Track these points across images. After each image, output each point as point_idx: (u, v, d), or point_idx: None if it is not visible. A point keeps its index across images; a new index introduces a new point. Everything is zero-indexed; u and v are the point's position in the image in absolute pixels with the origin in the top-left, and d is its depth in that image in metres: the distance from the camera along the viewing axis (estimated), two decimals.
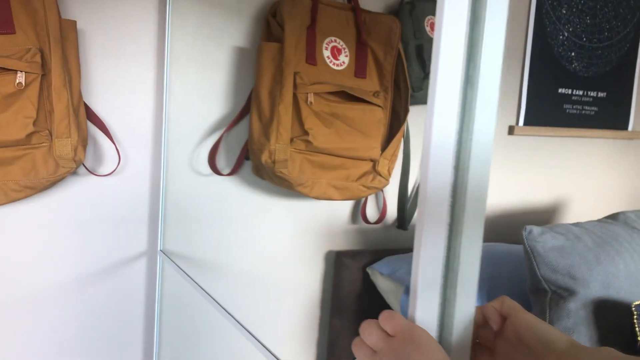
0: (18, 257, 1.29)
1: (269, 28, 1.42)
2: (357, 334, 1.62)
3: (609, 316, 1.26)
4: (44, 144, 1.20)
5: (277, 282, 1.59)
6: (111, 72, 1.32)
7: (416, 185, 1.69)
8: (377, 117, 1.47)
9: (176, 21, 1.38)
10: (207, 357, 1.54)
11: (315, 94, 1.39)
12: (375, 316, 0.54)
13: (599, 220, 1.51)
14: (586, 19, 1.87)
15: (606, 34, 1.91)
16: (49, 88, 1.18)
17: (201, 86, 1.42)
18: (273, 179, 1.41)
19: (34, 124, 1.16)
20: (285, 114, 1.36)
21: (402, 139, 1.61)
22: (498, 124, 1.78)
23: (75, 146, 1.20)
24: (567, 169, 1.95)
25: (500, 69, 0.41)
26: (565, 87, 1.88)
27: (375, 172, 1.49)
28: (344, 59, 1.46)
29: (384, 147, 1.50)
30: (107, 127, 1.33)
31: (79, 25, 1.27)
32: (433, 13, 1.59)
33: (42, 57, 1.17)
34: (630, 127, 2.03)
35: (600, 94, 1.95)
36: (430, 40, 1.57)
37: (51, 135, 1.20)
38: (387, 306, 1.58)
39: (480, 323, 0.61)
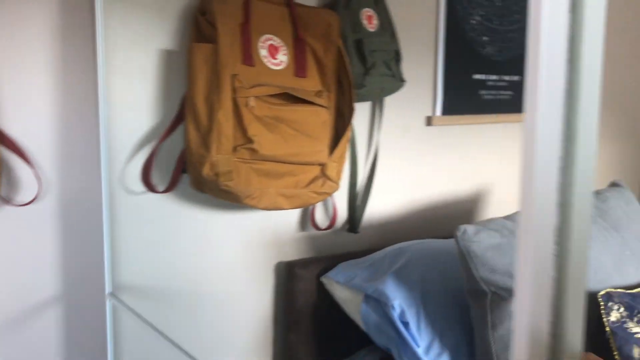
0: None
1: (198, 28, 1.30)
2: (316, 347, 1.53)
3: None
4: None
5: (226, 301, 1.47)
6: (20, 86, 1.15)
7: (365, 185, 1.62)
8: (322, 118, 1.38)
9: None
10: None
11: (256, 97, 1.29)
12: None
13: None
14: (496, 2, 1.86)
15: (516, 16, 1.91)
16: None
17: (127, 95, 1.28)
18: (217, 193, 1.29)
19: None
20: (226, 121, 1.24)
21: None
22: (415, 115, 1.73)
23: None
24: (486, 156, 1.94)
25: (600, 74, 0.34)
26: (480, 72, 1.86)
27: (325, 177, 1.40)
28: (283, 57, 1.36)
29: (331, 150, 1.42)
30: (21, 148, 1.16)
31: None
32: (369, 5, 1.52)
33: None
34: None
35: (514, 78, 1.95)
36: (368, 34, 1.50)
37: None
38: (345, 316, 1.50)
39: None
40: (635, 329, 1.12)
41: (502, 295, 1.20)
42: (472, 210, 1.93)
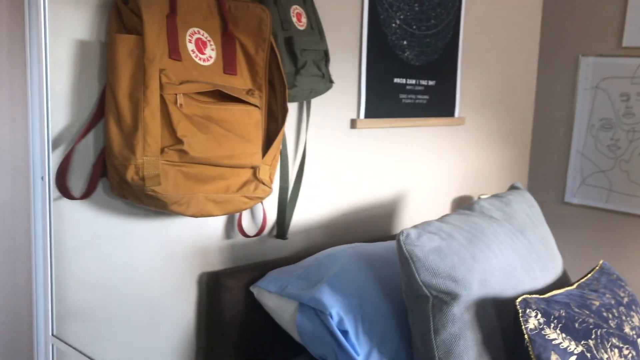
0: None
1: (120, 17, 1.18)
2: None
3: (492, 316, 1.23)
4: None
5: (146, 317, 1.35)
6: None
7: (292, 189, 1.56)
8: (254, 118, 1.31)
9: None
10: None
11: (185, 94, 1.19)
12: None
13: (459, 213, 1.47)
14: (415, 6, 1.88)
15: (432, 21, 1.95)
16: None
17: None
18: (141, 199, 1.17)
19: None
20: (153, 120, 1.13)
21: None
22: (340, 118, 1.71)
23: None
24: (407, 159, 1.96)
25: None
26: (399, 76, 1.88)
27: (257, 181, 1.32)
28: (211, 52, 1.27)
29: (263, 152, 1.35)
30: None
31: None
32: (298, 3, 1.46)
33: None
34: (456, 114, 2.11)
35: (430, 82, 1.99)
36: (298, 32, 1.44)
37: None
38: (277, 327, 1.43)
39: None
40: (553, 336, 1.12)
41: (444, 299, 1.19)
42: (394, 212, 1.93)
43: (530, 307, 1.14)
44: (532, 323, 1.13)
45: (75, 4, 1.15)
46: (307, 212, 1.65)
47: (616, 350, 1.14)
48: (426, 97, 1.98)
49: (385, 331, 1.30)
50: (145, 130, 1.12)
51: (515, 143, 2.46)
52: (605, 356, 1.13)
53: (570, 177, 2.50)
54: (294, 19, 1.45)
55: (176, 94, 1.16)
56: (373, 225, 1.86)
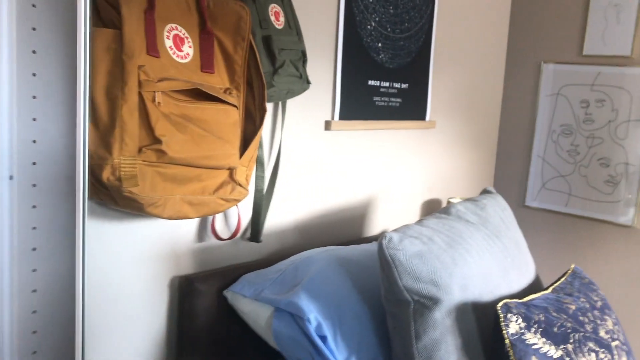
0: None
1: (96, 9, 1.12)
2: None
3: (472, 321, 1.23)
4: None
5: (116, 323, 1.30)
6: None
7: (267, 191, 1.53)
8: (232, 118, 1.27)
9: None
10: None
11: (163, 92, 1.14)
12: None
13: (436, 217, 1.47)
14: (389, 9, 1.88)
15: (406, 24, 1.96)
16: None
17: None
18: (117, 201, 1.12)
19: None
20: (131, 118, 1.09)
21: None
22: (314, 119, 1.69)
23: None
24: (380, 162, 1.96)
25: None
26: (374, 79, 1.87)
27: (234, 182, 1.29)
28: (188, 50, 1.23)
29: (240, 153, 1.31)
30: None
31: None
32: (276, 1, 1.44)
33: None
34: (427, 117, 2.13)
35: (404, 86, 2.00)
36: (276, 31, 1.41)
37: None
38: (252, 333, 1.40)
39: None
40: (533, 340, 1.13)
41: (426, 304, 1.19)
42: (366, 215, 1.93)
43: (511, 312, 1.14)
44: (513, 328, 1.14)
45: None
46: (280, 214, 1.62)
47: (593, 355, 1.16)
48: (399, 100, 1.99)
49: (364, 336, 1.29)
50: (122, 129, 1.07)
51: (482, 147, 2.50)
52: None
53: (531, 181, 2.55)
54: (272, 18, 1.42)
55: (154, 92, 1.12)
56: (346, 228, 1.85)
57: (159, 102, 1.12)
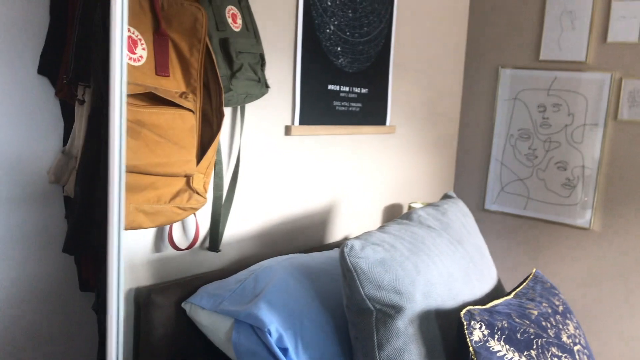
0: None
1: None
2: None
3: (435, 328, 1.22)
4: None
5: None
6: None
7: (225, 198, 1.48)
8: (188, 123, 1.22)
9: None
10: None
11: None
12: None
13: (398, 223, 1.45)
14: (348, 13, 1.87)
15: (365, 29, 1.94)
16: None
17: None
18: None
19: None
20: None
21: None
22: (274, 124, 1.66)
23: None
24: (340, 167, 1.94)
25: None
26: (334, 83, 1.85)
27: (191, 190, 1.24)
28: (142, 52, 1.18)
29: (198, 160, 1.27)
30: None
31: None
32: (233, 3, 1.40)
33: None
34: (387, 122, 2.12)
35: (363, 90, 1.99)
36: (234, 34, 1.37)
37: None
38: (212, 346, 1.35)
39: None
40: (497, 347, 1.11)
41: (388, 312, 1.16)
42: (327, 221, 1.90)
43: (474, 319, 1.13)
44: (477, 335, 1.12)
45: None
46: (240, 222, 1.58)
47: None
48: (359, 104, 1.97)
49: (326, 347, 1.26)
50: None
51: (442, 151, 2.50)
52: None
53: (490, 185, 2.57)
54: (229, 20, 1.38)
55: None
56: (307, 235, 1.81)
57: None
